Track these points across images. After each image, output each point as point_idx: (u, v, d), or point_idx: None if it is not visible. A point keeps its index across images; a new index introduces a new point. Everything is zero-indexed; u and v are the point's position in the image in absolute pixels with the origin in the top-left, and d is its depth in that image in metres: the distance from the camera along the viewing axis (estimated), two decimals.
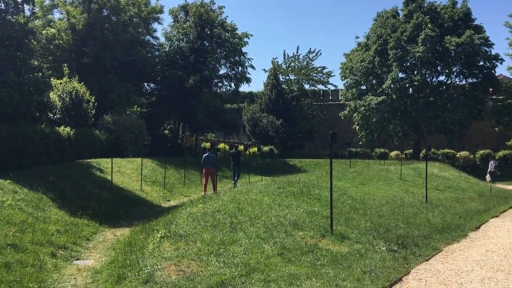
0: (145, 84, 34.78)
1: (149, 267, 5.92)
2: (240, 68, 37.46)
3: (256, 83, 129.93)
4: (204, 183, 17.39)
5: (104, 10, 30.03)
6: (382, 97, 36.67)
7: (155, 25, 35.63)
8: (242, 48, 37.23)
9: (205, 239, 7.03)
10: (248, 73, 38.07)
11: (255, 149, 34.09)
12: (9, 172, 11.88)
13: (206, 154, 17.40)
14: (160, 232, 7.43)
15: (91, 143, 20.92)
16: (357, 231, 8.79)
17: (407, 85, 38.03)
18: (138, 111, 31.88)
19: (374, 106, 37.05)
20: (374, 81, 39.44)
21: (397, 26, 38.14)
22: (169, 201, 16.71)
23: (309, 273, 6.06)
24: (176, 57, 33.88)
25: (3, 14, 16.66)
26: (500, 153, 37.58)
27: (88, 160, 18.08)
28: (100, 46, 27.67)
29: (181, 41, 34.79)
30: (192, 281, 5.44)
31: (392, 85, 36.46)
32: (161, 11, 33.42)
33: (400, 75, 37.32)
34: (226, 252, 6.53)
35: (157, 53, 34.37)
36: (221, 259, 6.23)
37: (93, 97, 22.67)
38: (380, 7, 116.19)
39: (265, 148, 35.89)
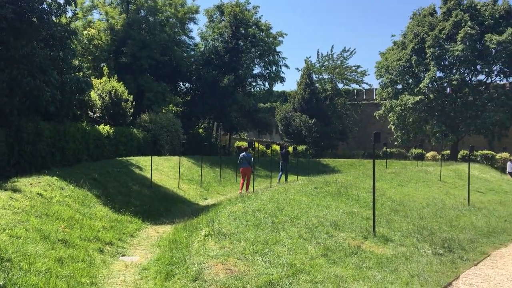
0: (181, 83, 35.34)
1: (196, 265, 6.00)
2: (274, 67, 37.53)
3: (290, 82, 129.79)
4: (241, 182, 17.60)
5: (141, 10, 30.64)
6: (419, 96, 36.00)
7: (191, 25, 36.29)
8: (276, 47, 37.30)
9: (248, 238, 7.08)
10: (282, 72, 38.12)
11: (290, 148, 34.09)
12: (54, 170, 12.27)
13: (243, 154, 17.58)
14: (203, 230, 7.52)
15: (129, 141, 21.35)
16: (400, 234, 8.67)
17: (445, 85, 37.12)
18: (174, 110, 32.36)
19: (410, 106, 36.39)
20: (410, 80, 38.75)
21: (435, 24, 37.30)
22: (206, 199, 16.89)
23: (355, 275, 6.02)
24: (211, 57, 34.22)
25: (47, 15, 17.21)
26: None
27: (127, 158, 18.46)
28: (138, 46, 28.23)
29: (216, 40, 35.13)
30: (241, 280, 5.49)
31: (429, 84, 35.68)
32: (197, 11, 33.84)
33: (438, 74, 36.46)
34: (270, 252, 6.56)
35: (192, 52, 34.84)
36: (267, 259, 6.26)
37: (131, 96, 23.14)
38: (416, 6, 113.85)
39: (301, 148, 35.80)
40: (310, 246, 7.08)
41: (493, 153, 38.31)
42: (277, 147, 34.75)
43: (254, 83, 38.12)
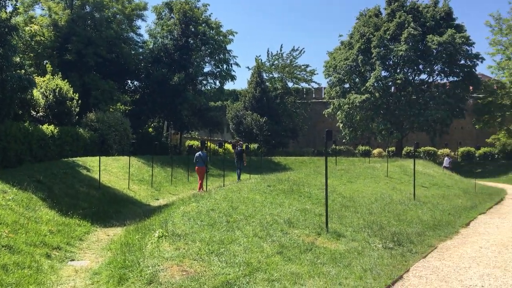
0: (129, 81, 34.46)
1: (150, 267, 5.86)
2: (224, 66, 37.46)
3: (241, 81, 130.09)
4: (199, 181, 17.70)
5: (86, 6, 29.62)
6: (365, 95, 37.08)
7: (139, 22, 35.57)
8: (227, 46, 37.22)
9: (203, 238, 7.01)
10: (233, 71, 38.16)
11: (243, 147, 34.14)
12: None
13: (198, 153, 17.72)
14: (157, 231, 7.36)
15: (74, 142, 20.60)
16: (351, 229, 8.87)
17: (390, 84, 38.50)
18: (122, 109, 31.54)
19: (357, 104, 37.42)
20: (357, 80, 39.84)
21: (380, 24, 38.55)
22: (158, 199, 16.59)
23: (311, 271, 6.09)
24: (160, 55, 33.62)
25: None
26: (481, 151, 38.36)
27: (73, 159, 17.81)
28: (83, 43, 27.28)
29: (165, 38, 34.56)
30: (197, 281, 5.41)
31: (375, 84, 36.84)
32: (144, 8, 33.15)
33: (383, 73, 37.78)
34: (226, 252, 6.52)
35: (141, 50, 34.09)
36: (223, 259, 6.21)
37: (76, 95, 22.32)
38: (362, 6, 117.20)
39: (252, 146, 35.95)
40: (265, 244, 7.10)
41: (435, 149, 40.19)
42: (230, 146, 34.76)
43: (205, 82, 37.90)
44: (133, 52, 32.46)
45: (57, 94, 20.76)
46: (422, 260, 7.01)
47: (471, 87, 39.19)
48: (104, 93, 27.89)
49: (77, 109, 22.30)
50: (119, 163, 19.75)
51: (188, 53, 33.98)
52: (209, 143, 34.25)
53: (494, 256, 7.32)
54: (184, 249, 6.53)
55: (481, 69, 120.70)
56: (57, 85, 21.05)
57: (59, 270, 7.06)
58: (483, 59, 38.20)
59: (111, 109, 28.76)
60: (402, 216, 10.67)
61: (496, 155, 40.46)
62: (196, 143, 34.33)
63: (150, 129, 35.95)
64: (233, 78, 38.12)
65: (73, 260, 7.81)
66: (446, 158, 30.99)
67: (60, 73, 23.00)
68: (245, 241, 7.12)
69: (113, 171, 18.32)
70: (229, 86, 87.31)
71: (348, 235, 8.38)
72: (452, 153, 40.48)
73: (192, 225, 7.69)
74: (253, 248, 6.85)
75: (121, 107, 31.72)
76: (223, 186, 15.11)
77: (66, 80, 22.41)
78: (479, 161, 39.40)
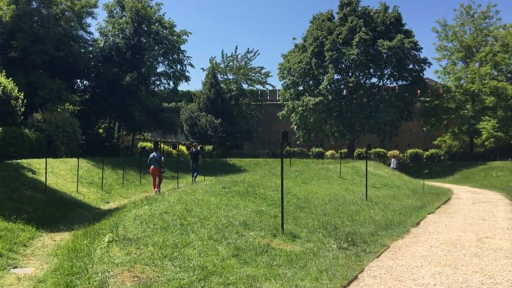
0: (78, 80, 33.22)
1: (99, 274, 5.58)
2: (178, 66, 36.92)
3: (195, 82, 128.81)
4: (153, 182, 17.53)
5: (33, 2, 28.30)
6: (319, 97, 37.67)
7: (89, 20, 34.28)
8: (181, 46, 36.71)
9: (156, 242, 6.78)
10: (187, 72, 37.72)
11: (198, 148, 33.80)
12: None
13: (152, 154, 17.52)
14: (107, 236, 7.05)
15: (19, 143, 19.64)
16: (306, 230, 8.89)
17: (342, 87, 39.33)
18: (71, 109, 30.38)
19: (311, 107, 37.94)
20: (311, 82, 40.43)
21: (333, 28, 39.31)
22: (108, 203, 16.03)
23: (267, 274, 6.01)
24: (111, 53, 32.68)
25: None
26: (428, 152, 39.87)
27: (18, 161, 16.91)
28: (29, 40, 26.05)
29: (116, 37, 33.59)
30: None
31: (328, 86, 37.52)
32: (95, 5, 32.04)
33: (336, 76, 38.54)
34: (180, 256, 6.33)
35: (91, 48, 32.92)
36: (177, 263, 6.02)
37: (22, 94, 21.27)
38: (316, 10, 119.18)
39: (207, 148, 35.63)
40: (221, 247, 6.96)
41: (384, 151, 41.43)
42: (184, 148, 34.28)
43: (158, 82, 37.19)
44: (83, 51, 31.33)
45: (0, 93, 19.71)
46: (376, 259, 7.10)
47: (418, 91, 40.74)
48: (51, 92, 26.73)
49: (23, 109, 21.29)
50: (67, 165, 18.97)
51: (140, 52, 33.24)
52: (162, 145, 33.63)
53: (444, 254, 7.53)
54: (135, 254, 6.29)
55: (428, 73, 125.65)
56: (0, 83, 19.99)
57: (0, 279, 6.61)
58: (430, 64, 39.88)
59: (59, 109, 27.63)
60: (355, 216, 10.82)
61: (442, 157, 42.24)
62: (149, 144, 33.60)
63: (101, 130, 34.86)
64: (187, 79, 37.64)
65: (16, 267, 7.35)
66: (393, 159, 32.41)
67: (4, 71, 21.88)
68: (200, 244, 6.95)
69: (61, 174, 17.57)
70: (183, 87, 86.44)
71: (303, 236, 8.38)
72: (401, 155, 41.87)
73: (145, 229, 7.43)
74: (208, 251, 6.69)
75: (70, 107, 30.54)
76: (177, 188, 14.81)
77: (10, 78, 21.32)
78: (426, 162, 40.97)
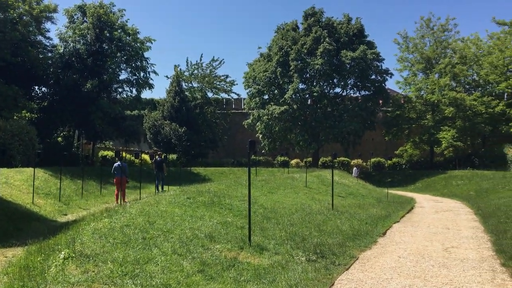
0: (36, 87, 31.94)
1: None
2: (142, 74, 36.14)
3: (159, 89, 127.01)
4: (116, 192, 17.06)
5: None
6: (284, 106, 37.78)
7: (48, 25, 32.93)
8: (145, 53, 36.00)
9: (116, 258, 6.37)
10: (151, 79, 36.90)
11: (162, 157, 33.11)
12: None
13: (117, 163, 17.14)
14: (62, 252, 6.58)
15: None
16: (274, 241, 8.66)
17: (307, 96, 39.62)
18: (28, 117, 29.15)
19: (276, 116, 38.00)
20: (276, 91, 40.50)
21: (298, 38, 39.62)
22: (66, 215, 15.29)
23: None
24: (71, 60, 31.63)
25: None
26: (390, 161, 40.61)
27: None
28: None
29: (77, 42, 32.55)
30: None
31: (293, 96, 37.69)
32: (55, 10, 31.07)
33: (301, 86, 38.82)
34: (142, 273, 5.95)
35: (50, 54, 31.79)
36: (138, 281, 5.64)
37: None
38: (281, 20, 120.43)
39: (171, 156, 34.95)
40: (185, 262, 6.63)
41: (348, 159, 41.91)
42: (147, 156, 33.55)
43: (120, 89, 36.20)
44: (41, 56, 30.19)
45: None
46: (346, 272, 6.93)
47: (381, 101, 41.54)
48: (7, 99, 25.57)
49: None
50: (23, 175, 18.06)
51: (102, 59, 32.36)
52: (124, 153, 32.76)
53: (413, 265, 7.44)
54: (93, 271, 5.87)
55: (390, 84, 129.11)
56: None
57: None
58: (392, 74, 40.79)
59: (15, 117, 26.47)
60: (322, 226, 10.68)
61: (404, 165, 43.12)
62: (110, 153, 32.62)
63: (60, 139, 33.60)
64: (151, 86, 36.87)
65: None
66: (355, 168, 33.27)
67: None
68: (163, 259, 6.60)
69: (16, 184, 16.69)
70: (146, 94, 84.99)
71: (271, 248, 8.15)
72: (364, 164, 42.46)
73: (104, 244, 7.01)
74: (172, 267, 6.34)
75: (26, 114, 29.33)
76: (139, 199, 14.30)
77: None
78: (388, 171, 41.70)
